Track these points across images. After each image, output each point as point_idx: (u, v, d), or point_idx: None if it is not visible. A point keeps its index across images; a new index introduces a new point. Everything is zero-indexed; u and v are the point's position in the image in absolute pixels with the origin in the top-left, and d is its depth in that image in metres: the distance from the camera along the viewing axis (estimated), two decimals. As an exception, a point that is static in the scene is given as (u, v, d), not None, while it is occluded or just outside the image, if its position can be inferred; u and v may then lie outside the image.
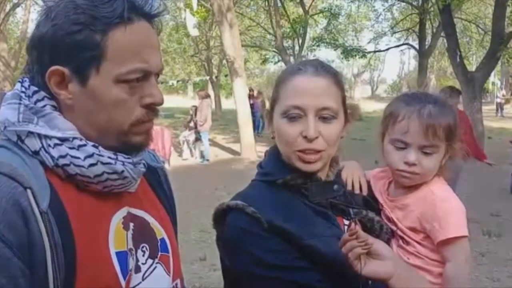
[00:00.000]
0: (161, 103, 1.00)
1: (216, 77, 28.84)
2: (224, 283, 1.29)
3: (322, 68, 1.22)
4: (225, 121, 23.55)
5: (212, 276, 4.80)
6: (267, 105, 1.31)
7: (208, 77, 28.15)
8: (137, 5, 0.95)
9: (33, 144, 0.92)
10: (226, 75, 27.72)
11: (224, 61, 18.35)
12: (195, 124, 12.96)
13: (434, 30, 23.88)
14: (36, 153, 0.92)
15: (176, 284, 1.11)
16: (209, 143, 13.42)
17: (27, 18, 26.98)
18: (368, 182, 1.38)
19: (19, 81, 1.00)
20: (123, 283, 0.95)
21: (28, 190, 0.86)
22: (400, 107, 1.30)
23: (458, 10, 19.48)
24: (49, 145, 0.92)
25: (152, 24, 0.99)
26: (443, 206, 1.26)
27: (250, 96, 14.91)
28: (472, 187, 8.23)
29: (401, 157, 1.29)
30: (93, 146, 0.95)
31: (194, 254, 5.34)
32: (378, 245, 1.10)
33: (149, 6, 0.97)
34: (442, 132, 1.26)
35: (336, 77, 1.23)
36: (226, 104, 29.73)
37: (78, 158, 0.93)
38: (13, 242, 0.82)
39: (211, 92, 24.42)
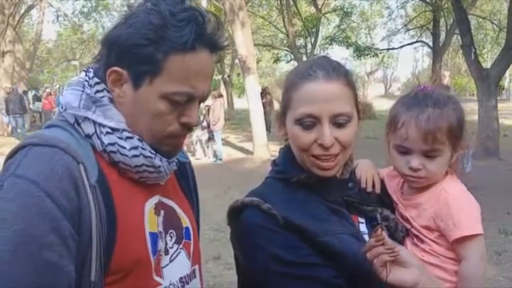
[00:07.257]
0: (195, 125, 1.11)
1: (229, 76, 28.88)
2: (238, 279, 1.30)
3: (334, 71, 1.18)
4: (238, 120, 23.56)
5: (227, 275, 4.82)
6: (275, 104, 1.30)
7: (220, 77, 28.20)
8: (205, 35, 1.04)
9: (88, 128, 1.04)
10: (238, 74, 27.72)
11: (237, 60, 18.34)
12: (208, 123, 13.00)
13: (448, 27, 23.66)
14: (88, 136, 1.04)
15: (194, 270, 1.21)
16: (222, 142, 13.45)
17: (41, 20, 27.34)
18: (382, 181, 1.38)
19: (84, 70, 1.13)
20: (152, 260, 1.06)
21: (81, 165, 0.97)
22: (400, 112, 1.28)
23: (472, 6, 19.22)
24: (102, 132, 1.04)
25: (213, 54, 1.07)
26: (457, 204, 1.25)
27: (263, 96, 14.89)
28: (488, 185, 8.13)
29: (405, 162, 1.28)
30: (138, 139, 1.06)
31: (209, 253, 5.36)
32: (404, 252, 1.08)
33: (217, 39, 1.06)
34: (443, 136, 1.24)
35: (347, 78, 1.20)
36: (239, 103, 29.74)
37: (124, 148, 1.04)
38: (66, 208, 0.92)
39: (223, 91, 24.46)
